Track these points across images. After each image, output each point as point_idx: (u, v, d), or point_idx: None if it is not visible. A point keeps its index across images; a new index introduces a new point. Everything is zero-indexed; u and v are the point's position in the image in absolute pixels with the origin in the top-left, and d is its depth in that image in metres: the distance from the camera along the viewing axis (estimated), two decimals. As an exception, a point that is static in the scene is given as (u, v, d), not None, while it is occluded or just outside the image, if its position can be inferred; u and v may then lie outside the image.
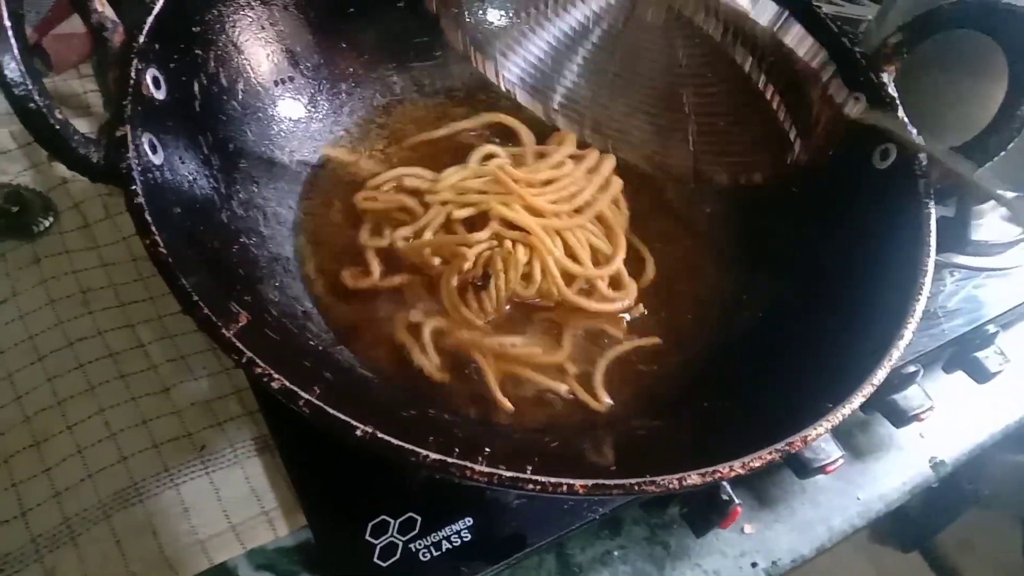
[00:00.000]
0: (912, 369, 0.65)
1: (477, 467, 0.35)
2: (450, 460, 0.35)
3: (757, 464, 0.37)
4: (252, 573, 0.57)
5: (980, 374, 0.70)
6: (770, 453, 0.37)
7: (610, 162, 0.62)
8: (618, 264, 0.60)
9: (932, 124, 0.52)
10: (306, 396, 0.35)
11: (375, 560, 0.50)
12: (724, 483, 0.57)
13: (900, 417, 0.66)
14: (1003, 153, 0.48)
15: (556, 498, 0.44)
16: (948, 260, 0.71)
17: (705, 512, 0.58)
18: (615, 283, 0.61)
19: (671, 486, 0.36)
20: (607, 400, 0.54)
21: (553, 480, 0.35)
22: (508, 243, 0.57)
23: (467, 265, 0.56)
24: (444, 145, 0.64)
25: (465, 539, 0.51)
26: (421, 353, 0.53)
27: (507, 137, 0.65)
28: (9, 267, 0.67)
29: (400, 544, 0.50)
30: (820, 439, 0.61)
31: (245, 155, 0.53)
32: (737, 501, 0.57)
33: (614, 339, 0.59)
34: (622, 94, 0.60)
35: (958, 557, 1.73)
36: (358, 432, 0.35)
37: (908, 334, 0.43)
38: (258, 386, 0.57)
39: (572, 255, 0.59)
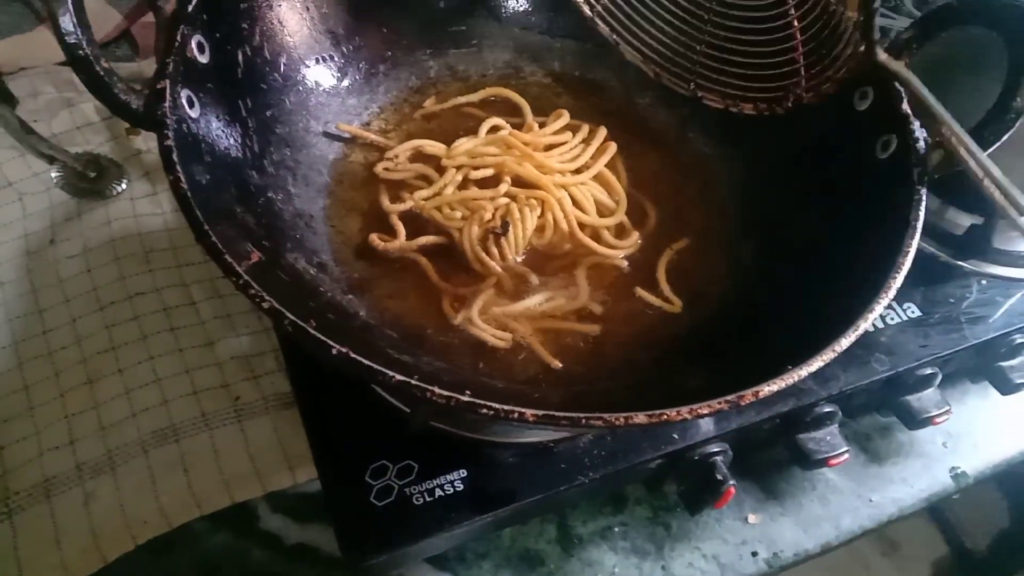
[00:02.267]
0: (929, 371, 0.65)
1: (436, 389, 0.38)
2: (412, 382, 0.38)
3: (704, 411, 0.39)
4: (270, 515, 0.62)
5: (1004, 384, 0.69)
6: (719, 403, 0.39)
7: (602, 131, 0.65)
8: (621, 215, 0.64)
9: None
10: (291, 316, 0.39)
11: (371, 499, 0.53)
12: (720, 463, 0.59)
13: (913, 419, 0.65)
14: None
15: (511, 425, 0.47)
16: (979, 269, 0.70)
17: (699, 490, 0.59)
18: (620, 233, 0.64)
19: (617, 423, 0.38)
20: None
21: (506, 407, 0.38)
22: (522, 196, 0.61)
23: (487, 216, 0.59)
24: (450, 119, 0.68)
25: (458, 488, 0.54)
26: (482, 332, 0.56)
27: (507, 113, 0.69)
28: (83, 226, 0.74)
29: (396, 487, 0.53)
30: (826, 433, 0.63)
31: (282, 121, 0.58)
32: (731, 481, 0.58)
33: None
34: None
35: (1027, 608, 1.64)
36: (333, 351, 0.38)
37: (879, 307, 0.43)
38: (280, 337, 0.62)
39: (579, 207, 0.63)
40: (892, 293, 0.45)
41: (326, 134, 0.62)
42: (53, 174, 0.76)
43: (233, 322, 0.70)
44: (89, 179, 0.76)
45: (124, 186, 0.77)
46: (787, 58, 0.57)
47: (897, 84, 0.53)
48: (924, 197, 0.49)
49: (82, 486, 0.60)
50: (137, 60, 0.87)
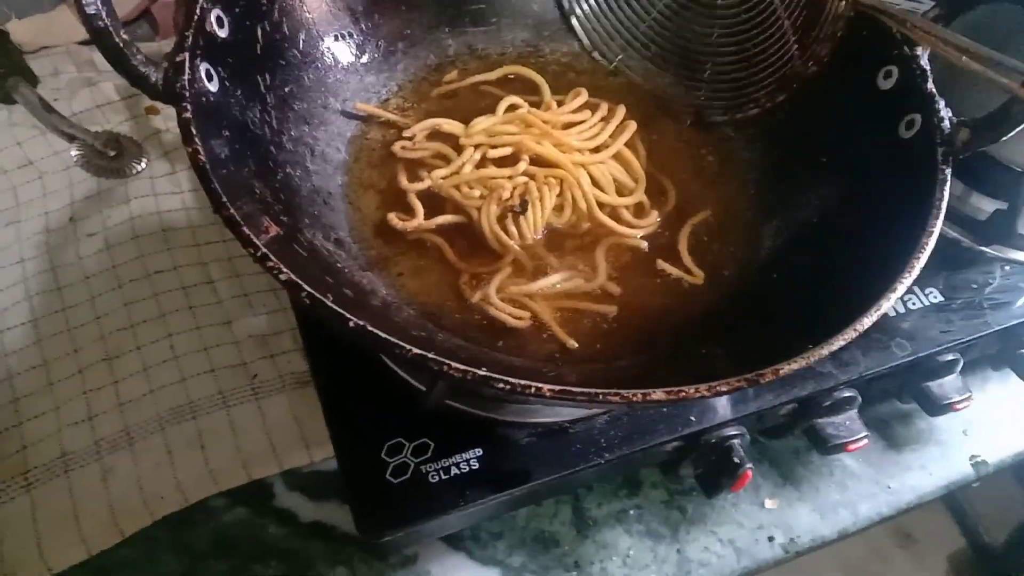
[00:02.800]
0: (950, 358, 0.64)
1: (453, 363, 0.37)
2: (429, 356, 0.38)
3: (723, 389, 0.38)
4: (286, 492, 0.62)
5: (1026, 371, 0.69)
6: (738, 380, 0.38)
7: (622, 110, 0.65)
8: (640, 194, 0.64)
9: (960, 100, 0.52)
10: (308, 289, 0.39)
11: (387, 476, 0.53)
12: (737, 446, 0.58)
13: (934, 405, 0.65)
14: None
15: (528, 400, 0.46)
16: (1003, 255, 0.69)
17: (716, 474, 0.59)
18: (638, 212, 0.63)
19: (634, 399, 0.37)
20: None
21: (523, 382, 0.38)
22: (541, 175, 0.61)
23: (505, 194, 0.59)
24: (468, 98, 0.68)
25: (473, 467, 0.54)
26: (500, 311, 0.56)
27: (525, 91, 0.69)
28: (103, 204, 0.74)
29: (412, 465, 0.54)
30: (846, 418, 0.62)
31: (300, 98, 0.57)
32: (748, 465, 0.58)
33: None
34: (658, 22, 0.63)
35: (1044, 602, 1.63)
36: (351, 324, 0.38)
37: (902, 288, 0.43)
38: (297, 314, 0.62)
39: (598, 187, 0.62)
40: (915, 273, 0.44)
41: (344, 112, 0.62)
42: (73, 153, 0.76)
43: (251, 301, 0.70)
44: (109, 158, 0.76)
45: (143, 165, 0.77)
46: (779, 43, 0.57)
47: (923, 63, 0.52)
48: (949, 177, 0.48)
49: (100, 462, 0.61)
50: (157, 40, 0.88)
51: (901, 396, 0.69)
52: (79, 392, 0.64)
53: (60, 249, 0.71)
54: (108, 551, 0.57)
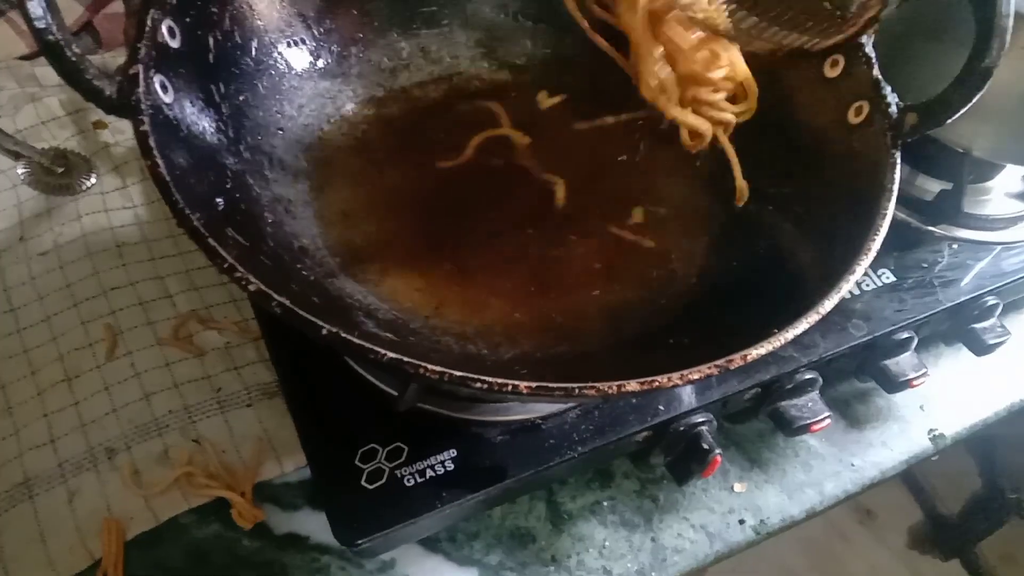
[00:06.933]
0: (905, 335, 0.66)
1: (429, 365, 0.38)
2: (405, 359, 0.38)
3: (695, 376, 0.39)
4: (258, 504, 0.61)
5: (977, 346, 0.71)
6: (709, 368, 0.39)
7: None
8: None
9: (905, 86, 0.53)
10: (278, 299, 0.38)
11: (362, 483, 0.53)
12: (705, 433, 0.59)
13: (892, 383, 0.66)
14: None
15: (502, 396, 0.47)
16: (949, 233, 0.71)
17: (686, 461, 0.60)
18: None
19: (610, 391, 0.38)
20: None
21: (500, 380, 0.38)
22: None
23: None
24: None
25: (448, 468, 0.54)
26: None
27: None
28: (54, 222, 0.73)
29: (387, 470, 0.53)
30: (808, 399, 0.64)
31: (255, 106, 0.57)
32: (717, 450, 0.59)
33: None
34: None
35: (1000, 569, 1.69)
36: (323, 331, 0.38)
37: (860, 270, 0.44)
38: (263, 324, 0.62)
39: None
40: (872, 256, 0.45)
41: (301, 118, 0.61)
42: (19, 170, 0.75)
43: (211, 314, 0.70)
44: (57, 174, 0.75)
45: (93, 180, 0.76)
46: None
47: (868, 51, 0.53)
48: (899, 161, 0.50)
49: (65, 484, 0.60)
50: (100, 52, 0.86)
51: (860, 375, 0.71)
52: (39, 415, 0.63)
53: (11, 269, 0.70)
54: (78, 574, 0.56)
